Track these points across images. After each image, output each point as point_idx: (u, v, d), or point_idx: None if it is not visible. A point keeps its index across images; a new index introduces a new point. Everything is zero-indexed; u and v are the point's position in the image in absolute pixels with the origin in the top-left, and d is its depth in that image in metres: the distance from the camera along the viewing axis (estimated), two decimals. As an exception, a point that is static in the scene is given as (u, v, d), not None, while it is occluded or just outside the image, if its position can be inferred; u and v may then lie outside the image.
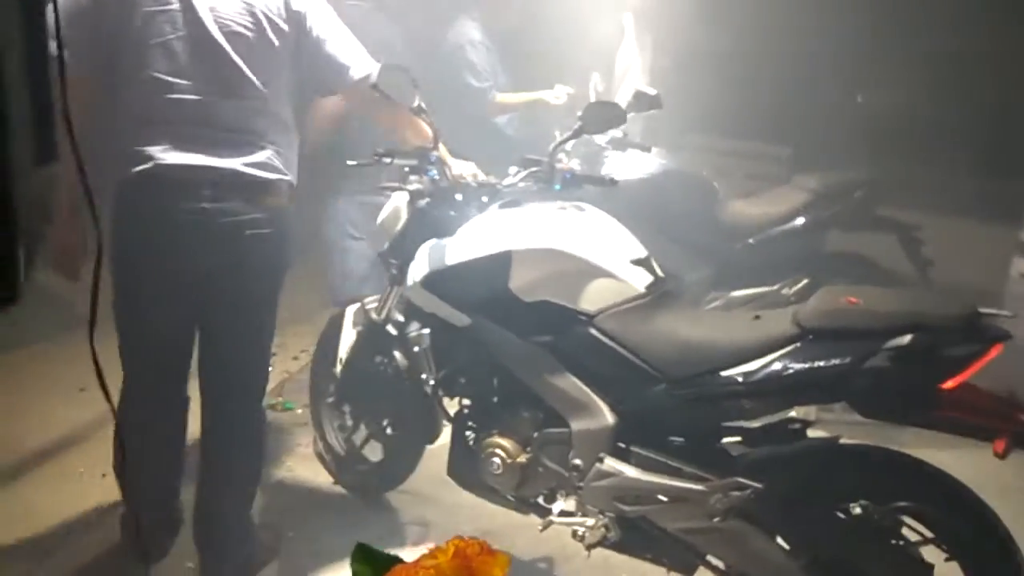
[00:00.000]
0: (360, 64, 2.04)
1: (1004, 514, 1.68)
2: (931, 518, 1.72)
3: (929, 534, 1.72)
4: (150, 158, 1.83)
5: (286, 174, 1.94)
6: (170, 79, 1.83)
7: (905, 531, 1.75)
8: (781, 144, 4.59)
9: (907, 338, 1.58)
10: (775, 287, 3.34)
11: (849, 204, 3.37)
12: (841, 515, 1.79)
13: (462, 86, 3.44)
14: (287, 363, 3.67)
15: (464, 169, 2.25)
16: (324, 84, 2.10)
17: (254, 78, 1.87)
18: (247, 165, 1.87)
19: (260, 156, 1.89)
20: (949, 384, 1.58)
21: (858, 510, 1.77)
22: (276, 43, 1.89)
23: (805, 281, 3.27)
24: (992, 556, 1.64)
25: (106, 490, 2.41)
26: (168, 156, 1.83)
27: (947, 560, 1.71)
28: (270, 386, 3.38)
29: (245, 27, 1.85)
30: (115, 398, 2.00)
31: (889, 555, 1.75)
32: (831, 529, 1.78)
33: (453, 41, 3.50)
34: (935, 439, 1.76)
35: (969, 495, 1.68)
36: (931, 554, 1.73)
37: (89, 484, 2.53)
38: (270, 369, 3.50)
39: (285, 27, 1.91)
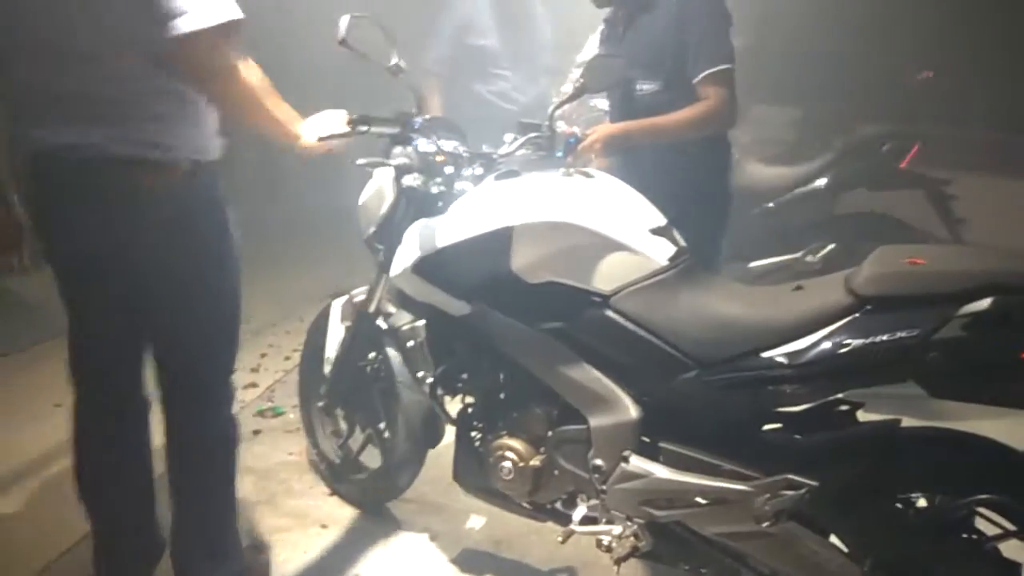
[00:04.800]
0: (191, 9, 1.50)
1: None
2: (1010, 508, 1.48)
3: (1010, 526, 1.49)
4: (32, 139, 1.60)
5: (172, 151, 1.61)
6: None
7: (980, 523, 1.52)
8: (790, 106, 4.33)
9: (986, 302, 1.33)
10: (798, 255, 3.11)
11: (874, 160, 3.13)
12: (905, 508, 1.56)
13: None
14: (278, 363, 3.45)
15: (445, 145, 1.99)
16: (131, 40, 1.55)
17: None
18: (115, 141, 1.56)
19: (128, 130, 1.56)
20: (1033, 354, 1.34)
21: (923, 502, 1.55)
22: None
23: (831, 246, 3.04)
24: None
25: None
26: (47, 135, 1.57)
27: (1034, 557, 1.48)
28: (259, 390, 3.18)
29: None
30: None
31: (964, 553, 1.52)
32: (895, 526, 1.55)
33: None
34: (987, 409, 1.50)
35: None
36: (1013, 549, 1.50)
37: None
38: (257, 371, 3.31)
39: None
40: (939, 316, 1.36)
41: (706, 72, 2.18)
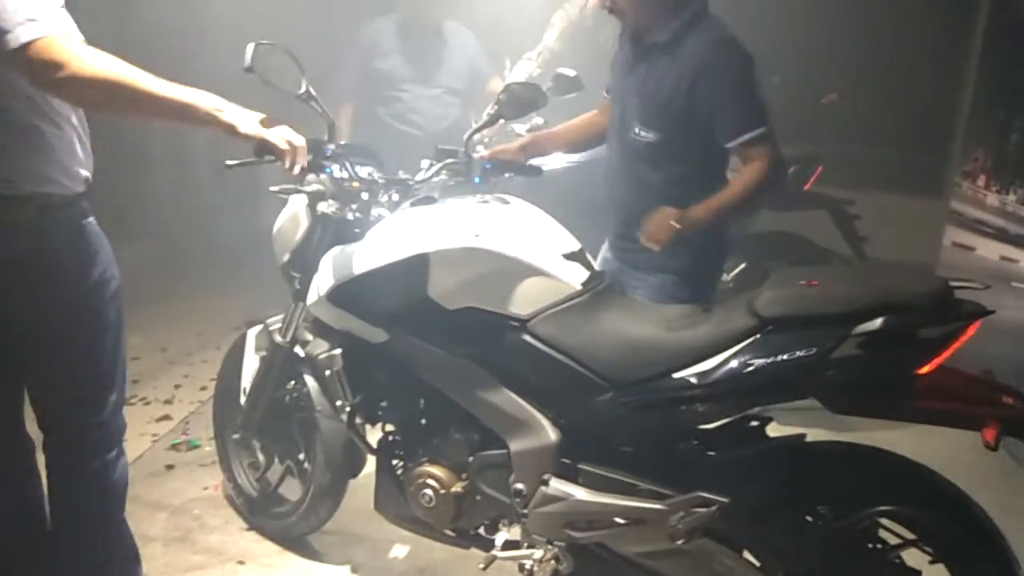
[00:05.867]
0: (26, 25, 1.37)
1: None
2: (911, 518, 1.56)
3: (910, 535, 1.56)
4: None
5: (15, 184, 1.50)
6: None
7: (883, 533, 1.58)
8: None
9: (878, 321, 1.40)
10: (713, 273, 3.19)
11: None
12: (812, 521, 1.62)
13: None
14: (193, 394, 3.33)
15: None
16: None
17: None
18: None
19: None
20: (925, 369, 1.41)
21: (829, 515, 1.61)
22: None
23: (743, 265, 3.14)
24: (982, 557, 1.48)
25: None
26: None
27: (932, 563, 1.55)
28: (173, 423, 3.07)
29: None
30: None
31: (868, 562, 1.58)
32: (803, 538, 1.61)
33: None
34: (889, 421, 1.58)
35: (953, 490, 1.52)
36: (913, 557, 1.57)
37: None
38: (171, 403, 3.19)
39: None
40: (835, 335, 1.42)
41: (747, 136, 2.01)
